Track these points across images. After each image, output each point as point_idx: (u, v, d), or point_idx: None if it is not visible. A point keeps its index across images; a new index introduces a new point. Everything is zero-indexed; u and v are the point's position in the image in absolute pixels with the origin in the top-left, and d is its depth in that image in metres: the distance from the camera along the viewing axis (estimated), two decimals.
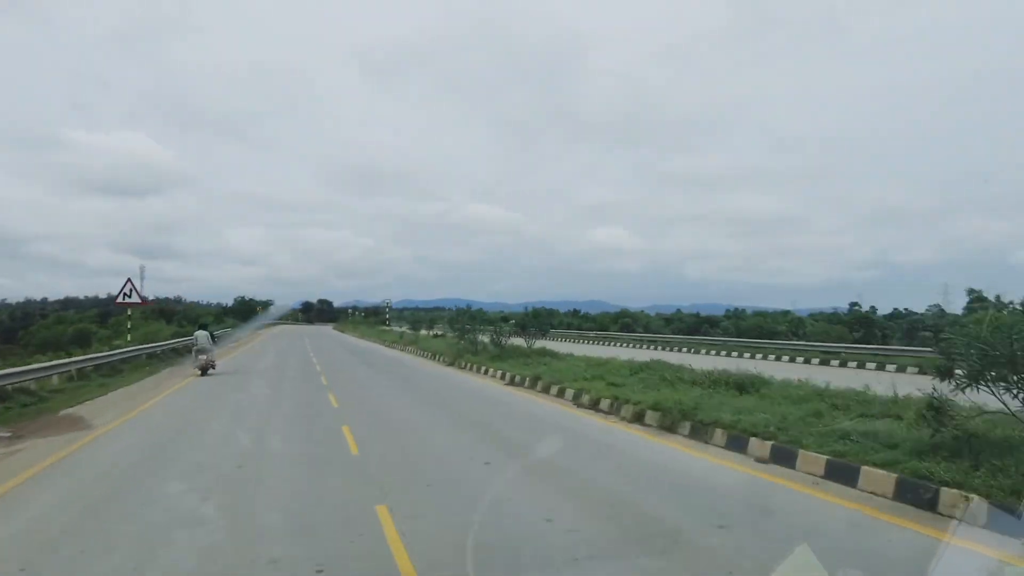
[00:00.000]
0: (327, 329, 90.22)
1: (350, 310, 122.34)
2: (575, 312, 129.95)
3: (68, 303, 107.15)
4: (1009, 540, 5.31)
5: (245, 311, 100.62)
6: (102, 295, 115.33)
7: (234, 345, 41.54)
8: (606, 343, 45.86)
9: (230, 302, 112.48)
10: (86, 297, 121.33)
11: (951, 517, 6.06)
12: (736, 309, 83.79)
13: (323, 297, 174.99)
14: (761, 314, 74.14)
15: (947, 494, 6.32)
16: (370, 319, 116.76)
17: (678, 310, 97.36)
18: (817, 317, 63.46)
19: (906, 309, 60.55)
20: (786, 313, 76.17)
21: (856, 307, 72.23)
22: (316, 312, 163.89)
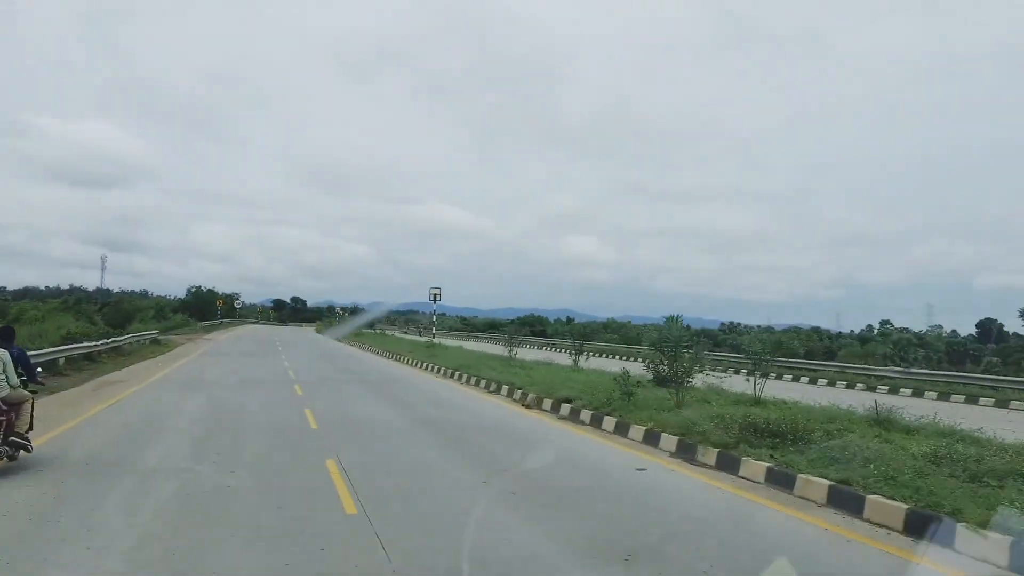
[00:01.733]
0: (309, 333, 70.35)
1: (338, 309, 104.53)
2: (569, 320, 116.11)
3: (27, 293, 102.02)
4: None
5: (202, 305, 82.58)
6: (64, 286, 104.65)
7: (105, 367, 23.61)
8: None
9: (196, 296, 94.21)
10: (47, 287, 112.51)
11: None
12: (731, 323, 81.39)
13: (291, 296, 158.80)
14: (795, 331, 69.98)
15: None
16: (346, 320, 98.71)
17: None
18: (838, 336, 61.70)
19: (906, 328, 60.57)
20: (817, 330, 71.71)
21: (888, 325, 69.51)
22: (290, 311, 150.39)
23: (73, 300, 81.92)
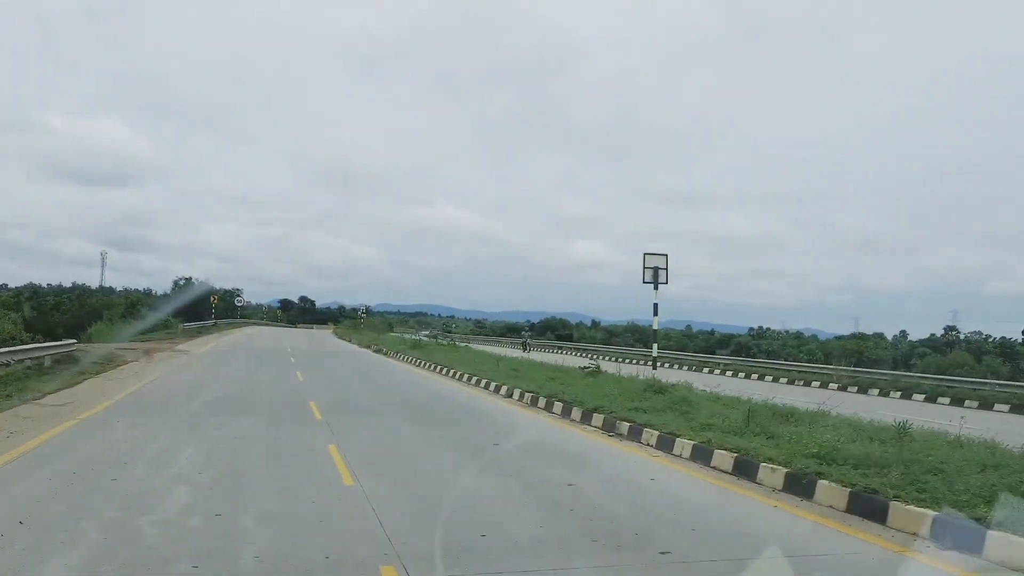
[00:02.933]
0: (332, 340, 52.81)
1: (361, 311, 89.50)
2: (595, 324, 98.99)
3: (28, 289, 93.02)
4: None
5: (193, 301, 66.14)
6: (67, 283, 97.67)
7: None
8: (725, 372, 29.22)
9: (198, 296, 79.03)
10: (49, 285, 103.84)
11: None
12: (761, 328, 78.87)
13: (300, 296, 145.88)
14: (861, 337, 64.67)
15: None
16: (370, 321, 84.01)
17: (688, 326, 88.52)
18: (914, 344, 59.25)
19: (968, 334, 59.82)
20: (879, 337, 66.11)
21: (953, 332, 62.91)
22: (297, 311, 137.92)
23: (29, 294, 66.21)
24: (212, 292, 64.70)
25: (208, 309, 60.86)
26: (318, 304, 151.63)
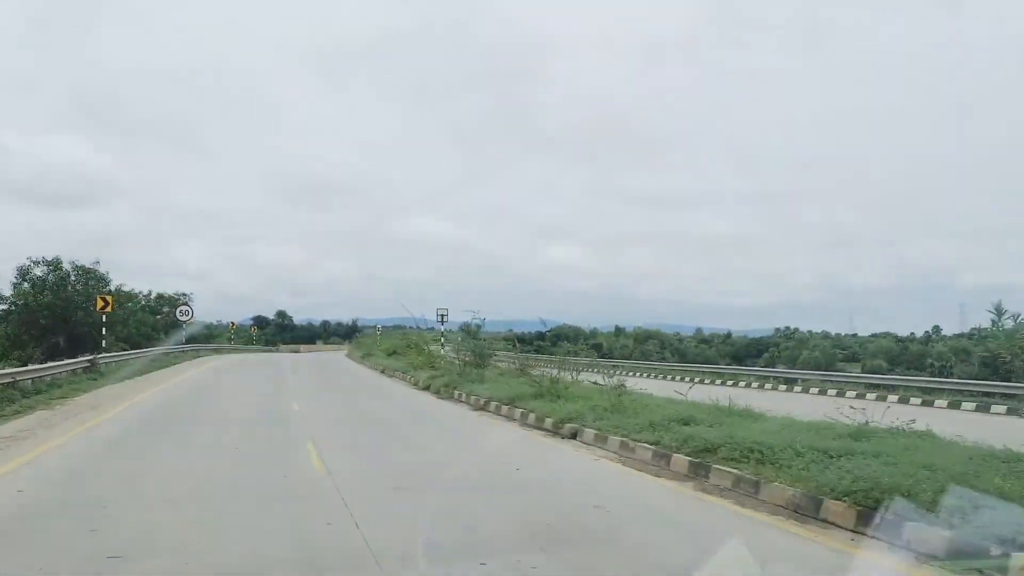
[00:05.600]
0: (417, 398, 13.04)
1: (377, 328, 56.35)
2: (619, 331, 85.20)
3: None
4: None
5: (59, 309, 28.35)
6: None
7: None
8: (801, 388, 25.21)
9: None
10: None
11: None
12: (788, 328, 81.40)
13: (272, 315, 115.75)
14: (1000, 331, 58.22)
15: None
16: (368, 339, 49.59)
17: (698, 329, 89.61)
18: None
19: (978, 330, 59.16)
20: (985, 332, 59.77)
21: (1000, 327, 59.29)
22: (276, 329, 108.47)
23: None
24: (100, 291, 26.78)
25: (94, 327, 23.47)
26: (296, 320, 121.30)
